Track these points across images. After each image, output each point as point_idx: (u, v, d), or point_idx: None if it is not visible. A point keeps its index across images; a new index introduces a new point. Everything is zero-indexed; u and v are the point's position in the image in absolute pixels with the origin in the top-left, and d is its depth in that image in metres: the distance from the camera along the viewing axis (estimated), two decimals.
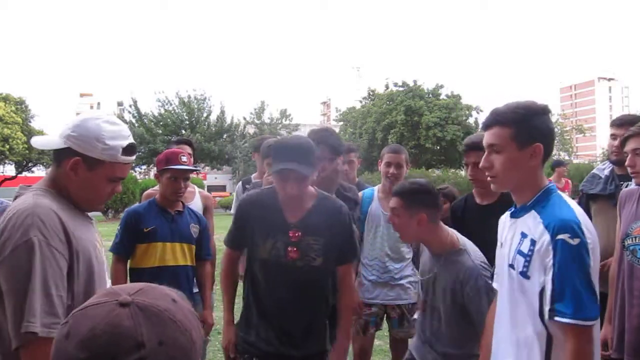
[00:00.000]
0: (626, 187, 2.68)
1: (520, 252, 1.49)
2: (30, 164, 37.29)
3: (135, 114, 33.43)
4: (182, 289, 2.61)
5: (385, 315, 3.15)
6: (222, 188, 40.78)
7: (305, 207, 2.19)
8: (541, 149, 1.50)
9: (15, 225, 1.33)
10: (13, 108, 36.33)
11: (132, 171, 32.58)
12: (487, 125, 1.57)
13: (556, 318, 1.36)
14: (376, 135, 28.71)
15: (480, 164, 1.61)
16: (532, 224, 1.48)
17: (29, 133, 34.86)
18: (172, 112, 33.21)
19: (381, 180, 3.24)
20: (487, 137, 1.56)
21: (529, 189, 1.54)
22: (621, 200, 2.46)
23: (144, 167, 34.46)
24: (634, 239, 2.29)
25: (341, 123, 36.18)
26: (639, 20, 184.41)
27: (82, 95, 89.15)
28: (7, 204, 2.69)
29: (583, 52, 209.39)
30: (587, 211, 3.02)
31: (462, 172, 16.95)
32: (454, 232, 2.15)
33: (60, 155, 1.48)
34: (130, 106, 33.99)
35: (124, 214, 2.91)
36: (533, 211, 1.50)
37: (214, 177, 42.39)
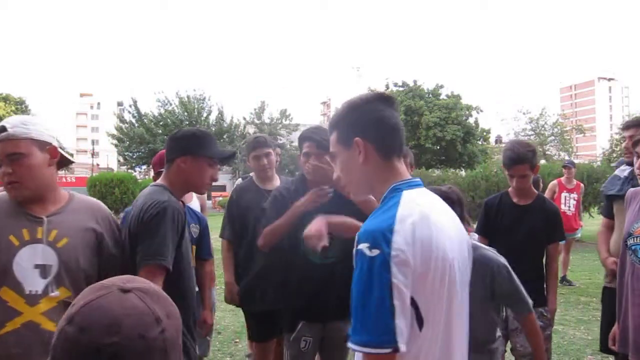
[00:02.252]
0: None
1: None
2: None
3: (135, 114, 33.43)
4: None
5: None
6: (222, 188, 40.74)
7: None
8: (360, 142, 1.29)
9: None
10: (13, 108, 36.36)
11: (132, 171, 32.61)
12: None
13: (348, 343, 1.14)
14: None
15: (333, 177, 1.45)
16: None
17: None
18: (172, 112, 33.21)
19: None
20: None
21: (377, 191, 1.33)
22: (627, 199, 2.49)
23: (144, 167, 34.47)
24: (636, 238, 2.31)
25: None
26: (639, 20, 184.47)
27: (82, 95, 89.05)
28: None
29: (583, 52, 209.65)
30: (612, 214, 3.07)
31: (462, 172, 16.95)
32: None
33: None
34: (130, 106, 34.01)
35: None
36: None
37: None
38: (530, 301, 2.21)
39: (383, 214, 1.21)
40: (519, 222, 2.91)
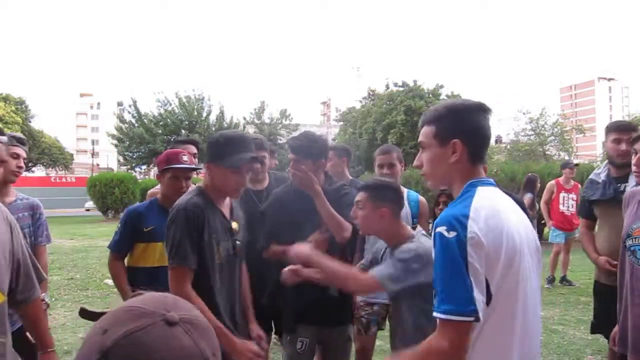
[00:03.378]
0: (623, 189, 2.79)
1: None
2: (30, 164, 37.30)
3: (135, 114, 33.44)
4: None
5: (387, 314, 3.14)
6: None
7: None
8: (459, 145, 1.45)
9: None
10: (13, 108, 36.34)
11: (132, 171, 32.63)
12: (420, 126, 1.58)
13: (433, 313, 1.31)
14: (376, 135, 28.65)
15: (414, 163, 1.61)
16: None
17: (29, 133, 34.90)
18: (172, 112, 33.22)
19: None
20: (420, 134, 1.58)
21: (456, 188, 1.50)
22: (625, 200, 2.50)
23: (144, 167, 34.48)
24: (634, 239, 2.32)
25: (341, 123, 36.15)
26: (639, 20, 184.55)
27: (82, 95, 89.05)
28: (32, 200, 2.76)
29: (583, 52, 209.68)
30: (592, 215, 3.14)
31: None
32: (410, 229, 2.25)
33: None
34: (130, 106, 34.00)
35: (125, 213, 2.90)
36: None
37: None
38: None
39: (460, 204, 1.39)
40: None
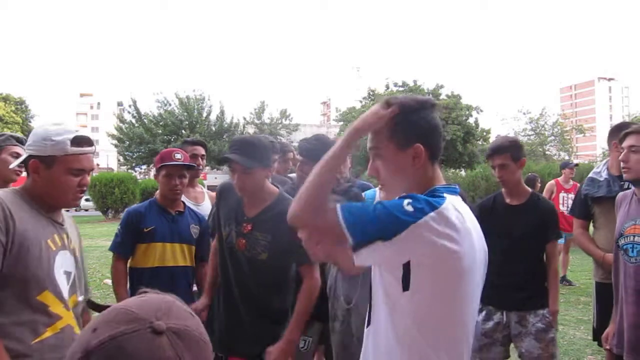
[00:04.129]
0: (628, 186, 2.76)
1: None
2: None
3: (135, 114, 33.44)
4: (180, 289, 2.64)
5: None
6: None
7: (263, 204, 2.37)
8: (421, 149, 1.33)
9: None
10: (13, 108, 36.37)
11: (132, 171, 32.63)
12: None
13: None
14: None
15: (370, 169, 1.45)
16: None
17: (29, 133, 34.84)
18: (172, 112, 33.22)
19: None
20: (370, 139, 1.42)
21: (415, 190, 1.35)
22: (617, 202, 2.56)
23: (144, 167, 34.48)
24: (626, 238, 2.36)
25: (341, 123, 36.15)
26: (639, 20, 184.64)
27: (82, 95, 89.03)
28: None
29: (583, 52, 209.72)
30: (589, 213, 3.10)
31: (462, 172, 16.95)
32: None
33: (26, 165, 1.67)
34: (130, 106, 34.01)
35: (125, 214, 2.90)
36: None
37: (214, 177, 42.32)
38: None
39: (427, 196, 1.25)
40: (512, 223, 2.84)
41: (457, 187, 1.39)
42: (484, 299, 3.10)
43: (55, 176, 1.64)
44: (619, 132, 2.93)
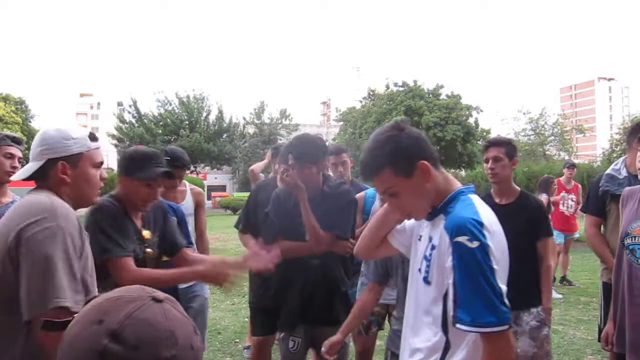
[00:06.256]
0: None
1: (425, 257, 1.46)
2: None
3: (135, 114, 33.46)
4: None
5: (387, 314, 3.15)
6: (222, 188, 40.77)
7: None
8: (425, 165, 1.40)
9: (37, 213, 1.45)
10: (13, 108, 36.35)
11: None
12: (366, 178, 1.53)
13: (457, 325, 1.30)
14: None
15: (391, 209, 1.55)
16: (437, 227, 1.43)
17: (29, 133, 34.85)
18: (172, 112, 33.23)
19: None
20: (376, 186, 1.49)
21: (436, 196, 1.46)
22: (623, 199, 2.48)
23: None
24: (633, 238, 2.32)
25: (341, 123, 36.16)
26: (639, 20, 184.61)
27: (82, 95, 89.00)
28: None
29: (583, 52, 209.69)
30: (605, 210, 3.04)
31: (462, 172, 16.97)
32: None
33: (43, 172, 1.61)
34: (130, 106, 34.05)
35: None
36: (442, 214, 1.45)
37: (214, 177, 42.38)
38: None
39: (464, 210, 1.37)
40: (502, 222, 2.81)
41: (472, 186, 1.51)
42: None
43: (84, 173, 1.64)
44: (639, 131, 2.91)
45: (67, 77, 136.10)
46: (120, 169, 2.28)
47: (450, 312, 1.33)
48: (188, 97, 33.50)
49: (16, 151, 2.66)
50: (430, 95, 29.69)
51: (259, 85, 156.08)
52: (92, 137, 1.69)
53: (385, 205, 1.58)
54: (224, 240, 12.27)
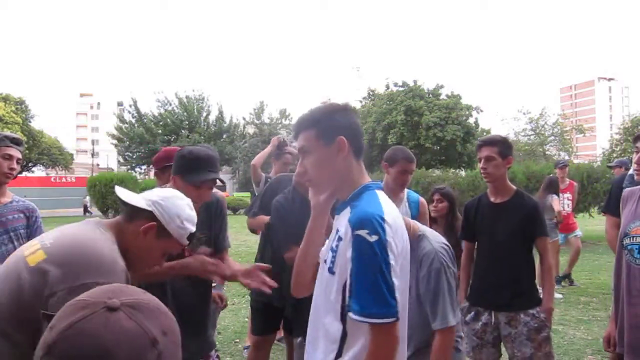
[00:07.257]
0: None
1: (331, 248, 1.48)
2: (30, 164, 37.29)
3: (135, 114, 33.46)
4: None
5: None
6: (222, 188, 40.72)
7: None
8: (345, 142, 1.46)
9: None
10: (13, 108, 36.33)
11: (132, 171, 32.65)
12: (295, 134, 1.56)
13: (349, 314, 1.34)
14: (376, 135, 28.66)
15: (296, 170, 1.60)
16: (344, 220, 1.45)
17: (29, 133, 34.87)
18: (172, 112, 33.23)
19: (384, 181, 3.21)
20: (298, 141, 1.55)
21: (347, 186, 1.51)
22: (623, 199, 2.47)
23: (144, 167, 34.49)
24: (631, 238, 2.30)
25: None
26: (639, 20, 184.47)
27: (82, 95, 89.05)
28: (28, 204, 2.70)
29: (583, 52, 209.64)
30: (619, 212, 2.97)
31: (462, 173, 16.95)
32: (413, 222, 2.22)
33: (136, 214, 1.59)
34: (130, 106, 34.06)
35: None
36: (349, 207, 1.48)
37: None
38: (448, 318, 2.04)
39: (368, 204, 1.41)
40: (497, 221, 2.82)
41: (380, 182, 1.58)
42: (472, 299, 3.03)
43: (156, 248, 1.64)
44: None
45: (67, 77, 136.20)
46: (173, 166, 2.23)
47: (347, 302, 1.37)
48: (188, 97, 33.49)
49: (15, 152, 2.60)
50: (430, 95, 29.64)
51: (258, 85, 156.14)
52: (190, 237, 1.66)
53: (309, 223, 1.62)
54: None
